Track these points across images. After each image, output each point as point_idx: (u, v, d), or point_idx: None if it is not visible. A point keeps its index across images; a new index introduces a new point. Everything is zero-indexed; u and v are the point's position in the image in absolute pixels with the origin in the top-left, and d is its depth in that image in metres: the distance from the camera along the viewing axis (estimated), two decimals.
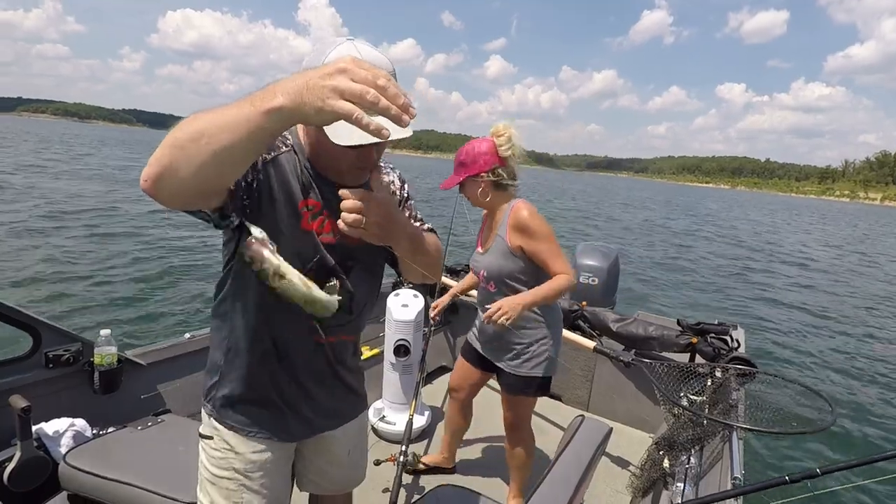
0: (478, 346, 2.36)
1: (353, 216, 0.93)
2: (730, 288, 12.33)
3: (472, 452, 2.92)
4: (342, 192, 0.95)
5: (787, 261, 18.34)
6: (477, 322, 2.39)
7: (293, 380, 1.25)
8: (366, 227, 0.95)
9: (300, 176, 1.14)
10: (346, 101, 0.69)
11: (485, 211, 2.24)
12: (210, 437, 1.28)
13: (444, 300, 2.78)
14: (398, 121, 0.72)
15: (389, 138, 0.91)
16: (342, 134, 0.92)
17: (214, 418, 1.26)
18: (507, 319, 1.94)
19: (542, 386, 2.20)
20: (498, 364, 2.24)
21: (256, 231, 0.98)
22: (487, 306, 2.03)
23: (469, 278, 2.67)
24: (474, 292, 2.51)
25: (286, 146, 1.14)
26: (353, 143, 0.94)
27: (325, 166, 1.16)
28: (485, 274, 2.18)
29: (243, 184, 1.01)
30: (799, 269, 16.68)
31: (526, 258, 2.07)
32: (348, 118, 0.69)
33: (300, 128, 1.18)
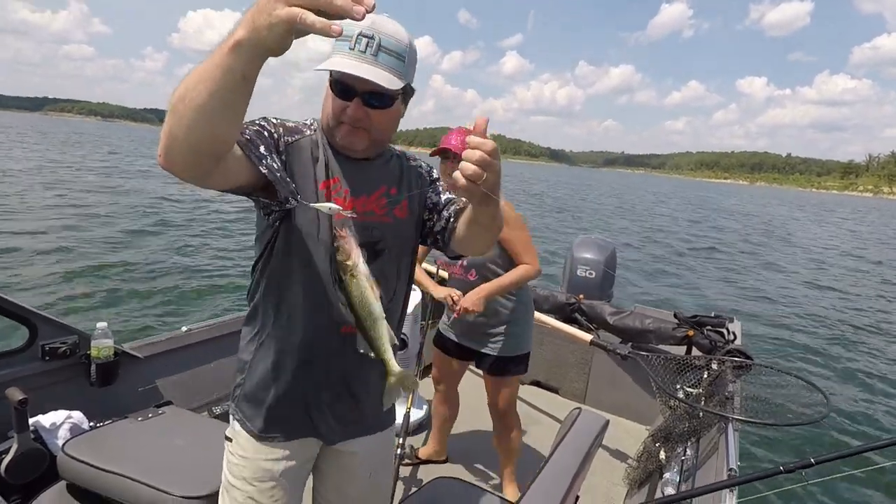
0: (451, 335, 2.42)
1: (473, 168, 0.84)
2: (727, 280, 12.36)
3: (465, 443, 2.93)
4: (469, 138, 0.86)
5: (786, 254, 18.39)
6: (448, 312, 2.38)
7: (319, 376, 1.20)
8: (483, 183, 0.86)
9: (321, 155, 1.13)
10: (292, 5, 0.66)
11: None
12: (231, 440, 1.25)
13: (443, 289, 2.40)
14: (347, 13, 0.67)
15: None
16: (327, 61, 1.00)
17: (236, 419, 1.24)
18: (475, 310, 2.12)
19: (522, 363, 2.31)
20: (480, 350, 2.30)
21: (330, 208, 0.95)
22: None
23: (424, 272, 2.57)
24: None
25: (311, 129, 1.15)
26: (326, 68, 1.01)
27: (335, 143, 1.15)
28: (465, 263, 2.22)
29: (275, 165, 1.01)
30: (798, 262, 16.73)
31: (499, 246, 2.15)
32: (291, 22, 0.66)
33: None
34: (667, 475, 2.05)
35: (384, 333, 1.02)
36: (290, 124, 1.13)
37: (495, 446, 2.47)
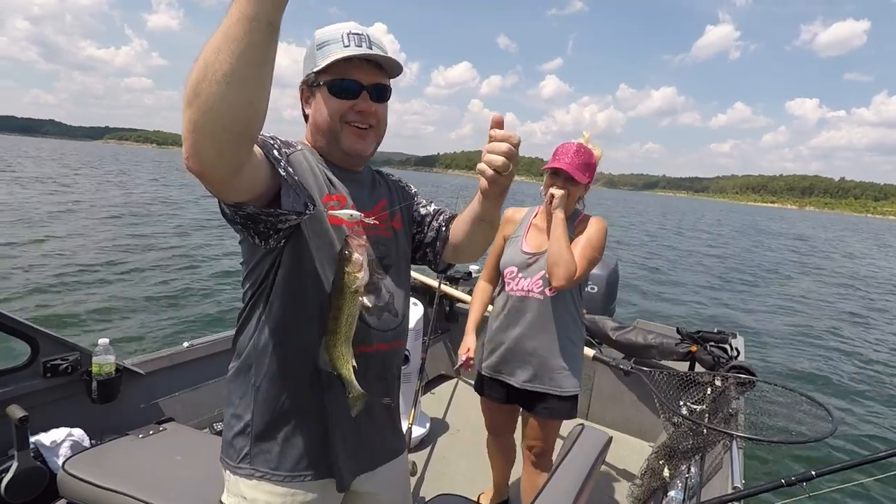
0: (503, 377, 2.12)
1: (502, 160, 0.87)
2: (730, 296, 12.32)
3: (471, 461, 2.91)
4: (494, 131, 0.88)
5: (789, 269, 18.34)
6: (496, 348, 2.12)
7: (336, 409, 1.08)
8: (507, 176, 0.89)
9: (318, 169, 1.09)
10: None
11: (535, 216, 2.14)
12: None
13: (472, 340, 2.25)
14: None
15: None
16: (333, 55, 1.01)
17: (243, 475, 1.08)
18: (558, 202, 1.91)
19: (574, 404, 2.08)
20: (537, 389, 2.04)
21: (352, 215, 0.88)
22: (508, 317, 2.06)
23: (482, 298, 2.31)
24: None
25: (297, 148, 1.09)
26: (345, 55, 1.00)
27: (336, 155, 1.12)
28: (546, 275, 1.95)
29: (290, 169, 0.94)
30: (803, 277, 16.67)
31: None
32: None
33: (307, 135, 1.16)
34: (671, 493, 2.02)
35: (350, 351, 0.98)
36: (282, 138, 1.06)
37: (525, 484, 2.23)
